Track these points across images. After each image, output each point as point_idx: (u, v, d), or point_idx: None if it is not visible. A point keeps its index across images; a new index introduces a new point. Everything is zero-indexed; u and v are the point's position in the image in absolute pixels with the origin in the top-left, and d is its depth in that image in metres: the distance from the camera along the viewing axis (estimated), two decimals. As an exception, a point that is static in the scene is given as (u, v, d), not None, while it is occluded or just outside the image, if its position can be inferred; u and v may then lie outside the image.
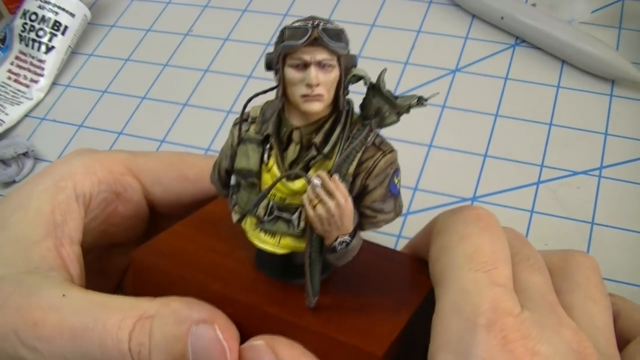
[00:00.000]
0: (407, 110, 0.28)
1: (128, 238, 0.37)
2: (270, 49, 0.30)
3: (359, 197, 0.28)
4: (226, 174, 0.31)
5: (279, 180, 0.28)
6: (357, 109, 0.29)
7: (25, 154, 0.62)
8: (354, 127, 0.28)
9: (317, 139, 0.28)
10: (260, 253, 0.30)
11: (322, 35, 0.27)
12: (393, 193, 0.29)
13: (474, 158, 0.56)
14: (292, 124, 0.28)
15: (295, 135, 0.28)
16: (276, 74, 0.28)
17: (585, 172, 0.53)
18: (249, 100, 0.30)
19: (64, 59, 0.70)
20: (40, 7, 0.70)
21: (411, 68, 0.63)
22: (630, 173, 0.53)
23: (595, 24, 0.63)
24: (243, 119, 0.30)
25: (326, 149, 0.28)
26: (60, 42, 0.70)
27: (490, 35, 0.64)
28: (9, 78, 0.70)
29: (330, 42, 0.27)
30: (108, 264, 0.38)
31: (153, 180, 0.36)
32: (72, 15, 0.70)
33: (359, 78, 0.28)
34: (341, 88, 0.28)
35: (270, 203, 0.29)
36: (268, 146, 0.29)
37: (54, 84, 0.70)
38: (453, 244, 0.29)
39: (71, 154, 0.36)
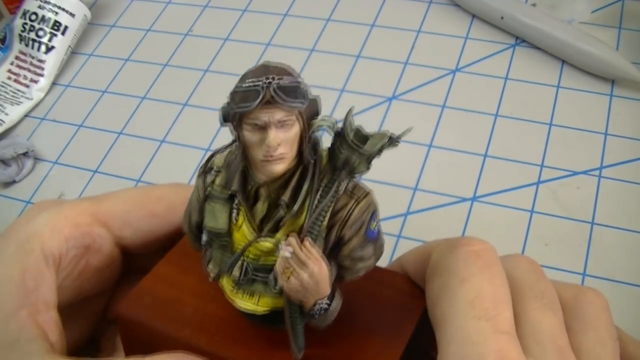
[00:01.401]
0: (379, 154, 0.26)
1: (103, 287, 0.36)
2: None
3: (335, 247, 0.27)
4: (197, 228, 0.29)
5: (249, 244, 0.27)
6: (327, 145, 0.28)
7: (25, 154, 0.62)
8: (323, 176, 0.27)
9: (285, 196, 0.26)
10: None
11: (276, 95, 0.24)
12: (371, 238, 0.28)
13: (474, 158, 0.56)
14: (257, 180, 0.27)
15: (263, 192, 0.27)
16: (233, 132, 0.26)
17: (585, 172, 0.53)
18: (212, 155, 0.28)
19: (64, 59, 0.70)
20: (40, 7, 0.70)
21: (411, 68, 0.63)
22: (630, 173, 0.53)
23: (595, 24, 0.63)
24: (207, 168, 0.28)
25: (295, 207, 0.26)
26: (60, 42, 0.70)
27: (490, 35, 0.64)
28: (9, 78, 0.70)
29: (286, 101, 0.24)
30: (85, 310, 0.37)
31: (122, 224, 0.35)
32: (72, 15, 0.70)
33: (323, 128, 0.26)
34: (304, 142, 0.26)
35: (245, 263, 0.28)
36: (236, 203, 0.28)
37: (54, 84, 0.70)
38: (453, 287, 0.28)
39: (33, 210, 0.34)
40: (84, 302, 0.36)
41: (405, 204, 0.53)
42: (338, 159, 0.26)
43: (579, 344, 0.28)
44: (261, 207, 0.27)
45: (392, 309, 0.31)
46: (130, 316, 0.31)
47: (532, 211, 0.52)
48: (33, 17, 0.70)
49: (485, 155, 0.56)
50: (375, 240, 0.28)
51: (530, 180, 0.53)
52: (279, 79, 0.25)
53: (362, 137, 0.26)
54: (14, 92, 0.69)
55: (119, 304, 0.31)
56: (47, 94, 0.69)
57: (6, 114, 0.66)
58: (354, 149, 0.26)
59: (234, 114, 0.25)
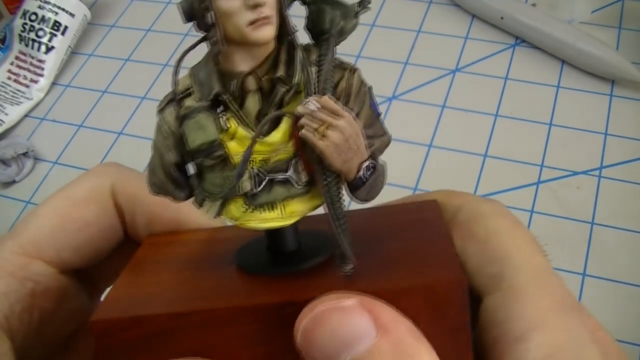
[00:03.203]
0: (364, 4, 0.24)
1: (65, 315, 0.31)
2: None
3: None
4: (177, 168, 0.25)
5: (257, 136, 0.23)
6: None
7: (25, 154, 0.62)
8: (310, 51, 0.24)
9: (280, 72, 0.23)
10: (243, 250, 0.26)
11: None
12: (377, 112, 0.25)
13: (474, 158, 0.56)
14: (240, 71, 0.23)
15: (250, 83, 0.23)
16: (204, 16, 0.24)
17: (585, 172, 0.53)
18: (177, 65, 0.25)
19: (64, 59, 0.70)
20: (40, 7, 0.70)
21: (411, 68, 0.63)
22: (630, 173, 0.53)
23: (595, 24, 0.63)
24: (169, 100, 0.24)
25: (296, 79, 0.23)
26: (60, 42, 0.70)
27: (490, 35, 0.64)
28: (9, 78, 0.70)
29: None
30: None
31: (57, 250, 0.30)
32: (72, 15, 0.70)
33: None
34: (283, 8, 0.23)
35: (254, 171, 0.23)
36: (220, 109, 0.23)
37: (54, 84, 0.70)
38: (508, 227, 0.27)
39: None
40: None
41: (405, 204, 0.53)
42: (324, 22, 0.24)
43: None
44: (253, 101, 0.23)
45: (423, 230, 0.27)
46: (106, 319, 0.25)
47: (532, 211, 0.52)
48: (33, 17, 0.70)
49: (485, 155, 0.56)
50: (379, 115, 0.25)
51: (530, 180, 0.53)
52: None
53: None
54: (14, 92, 0.69)
55: (92, 316, 0.25)
56: (47, 94, 0.69)
57: (6, 114, 0.66)
58: (336, 2, 0.24)
59: None
